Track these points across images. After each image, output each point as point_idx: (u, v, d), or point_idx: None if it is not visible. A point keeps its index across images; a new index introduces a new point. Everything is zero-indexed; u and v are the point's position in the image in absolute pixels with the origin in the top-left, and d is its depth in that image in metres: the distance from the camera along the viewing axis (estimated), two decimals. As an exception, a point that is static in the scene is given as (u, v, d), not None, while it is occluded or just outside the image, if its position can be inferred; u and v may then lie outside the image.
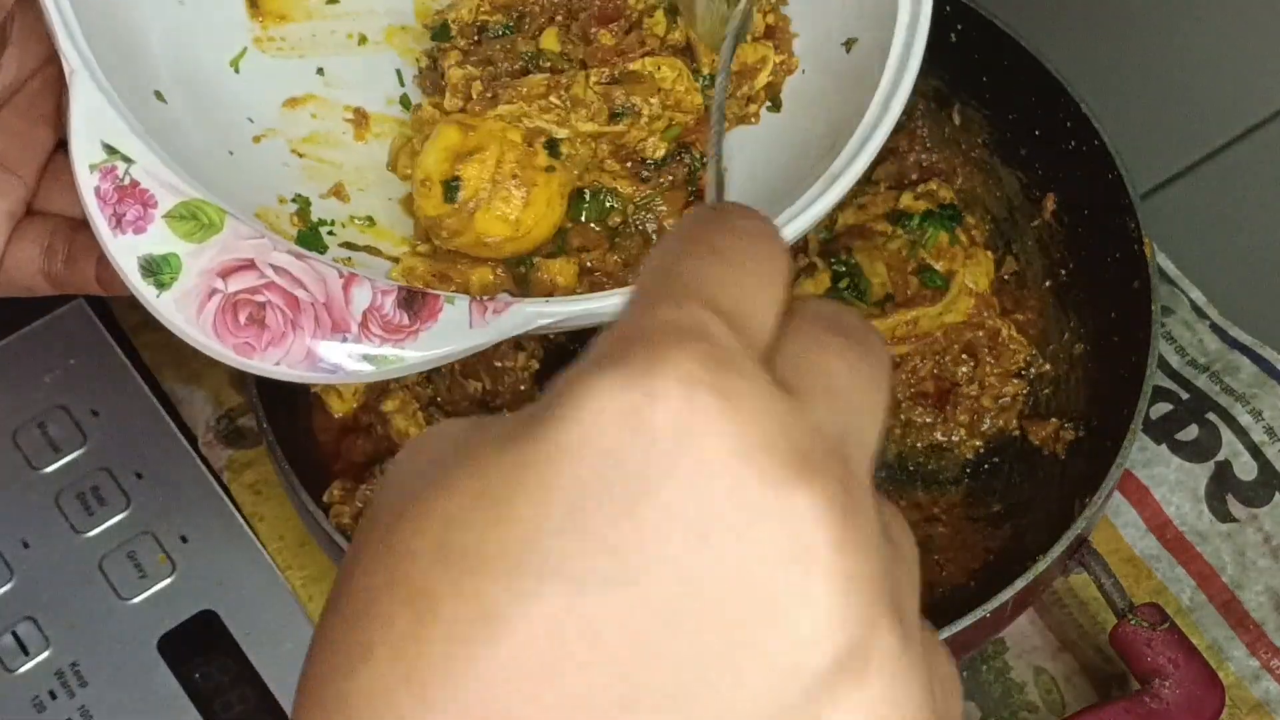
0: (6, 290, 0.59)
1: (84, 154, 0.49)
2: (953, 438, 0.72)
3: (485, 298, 0.51)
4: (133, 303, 0.50)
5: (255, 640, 0.71)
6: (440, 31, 0.65)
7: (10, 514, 0.74)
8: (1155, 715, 0.62)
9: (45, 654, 0.70)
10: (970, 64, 0.74)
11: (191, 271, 0.49)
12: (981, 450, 0.72)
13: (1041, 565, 0.60)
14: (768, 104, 0.64)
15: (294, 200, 0.60)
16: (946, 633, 0.58)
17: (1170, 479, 0.74)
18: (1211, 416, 0.76)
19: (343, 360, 0.49)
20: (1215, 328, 0.78)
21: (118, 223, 0.49)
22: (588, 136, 0.61)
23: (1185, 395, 0.77)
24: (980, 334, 0.72)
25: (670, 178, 0.62)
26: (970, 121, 0.75)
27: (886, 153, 0.71)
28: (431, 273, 0.59)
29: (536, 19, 0.64)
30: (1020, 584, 0.59)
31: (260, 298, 0.49)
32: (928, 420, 0.72)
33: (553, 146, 0.60)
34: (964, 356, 0.72)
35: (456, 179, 0.58)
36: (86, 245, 0.56)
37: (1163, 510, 0.74)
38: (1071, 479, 0.67)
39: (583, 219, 0.61)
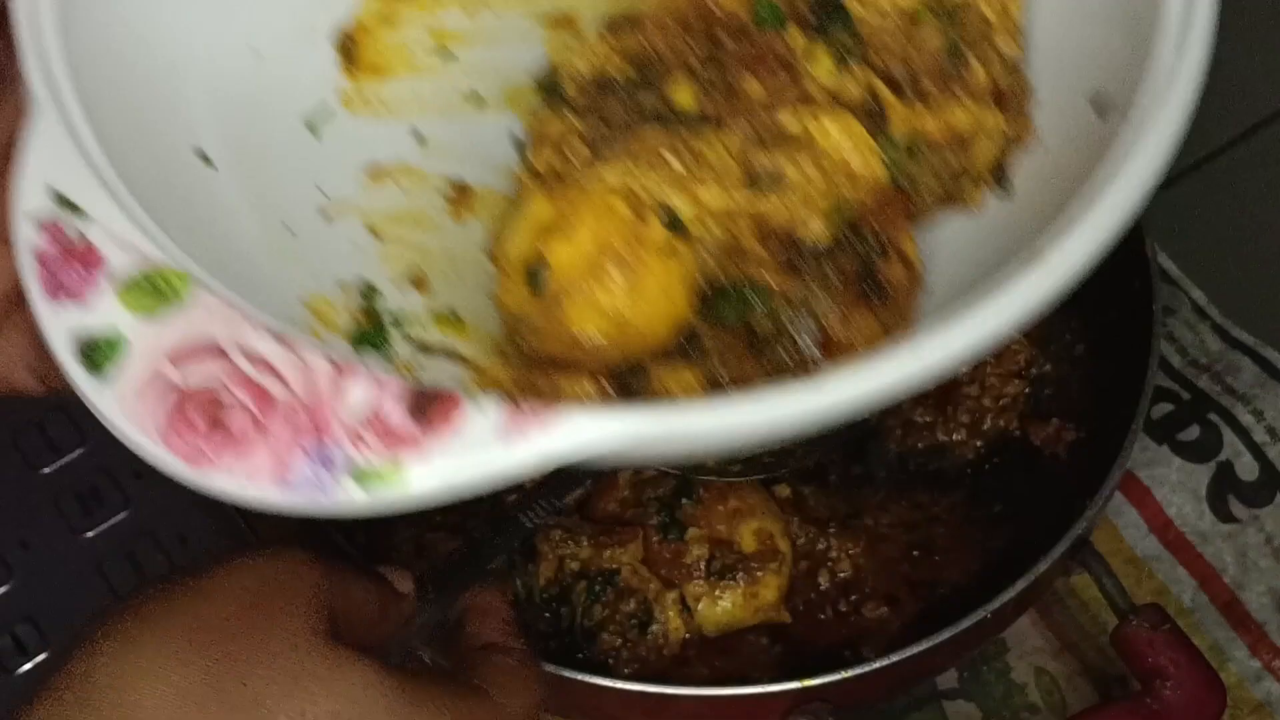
0: None
1: (25, 205, 0.40)
2: (953, 438, 0.72)
3: (527, 402, 0.37)
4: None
5: (255, 641, 0.71)
6: (551, 87, 0.52)
7: (10, 515, 0.74)
8: (1156, 716, 0.62)
9: (44, 655, 0.70)
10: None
11: (138, 356, 0.39)
12: (982, 450, 0.72)
13: (1042, 566, 0.60)
14: (993, 185, 0.51)
15: (360, 288, 0.51)
16: (947, 633, 0.58)
17: (1172, 479, 0.74)
18: (1213, 417, 0.76)
19: (323, 479, 0.38)
20: (1216, 328, 0.78)
21: (55, 290, 0.40)
22: (721, 213, 0.47)
23: (1186, 395, 0.77)
24: None
25: (837, 271, 0.48)
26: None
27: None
28: (516, 383, 0.48)
29: (666, 65, 0.50)
30: (1021, 585, 0.59)
31: (224, 395, 0.39)
32: (928, 420, 0.71)
33: (674, 221, 0.47)
34: None
35: (543, 262, 0.47)
36: None
37: (1164, 510, 0.74)
38: (1073, 479, 0.67)
39: (722, 320, 0.48)
